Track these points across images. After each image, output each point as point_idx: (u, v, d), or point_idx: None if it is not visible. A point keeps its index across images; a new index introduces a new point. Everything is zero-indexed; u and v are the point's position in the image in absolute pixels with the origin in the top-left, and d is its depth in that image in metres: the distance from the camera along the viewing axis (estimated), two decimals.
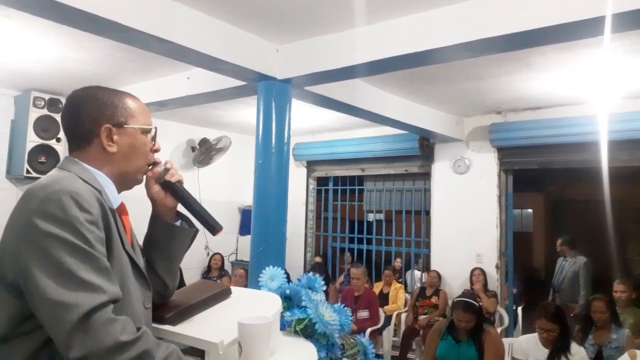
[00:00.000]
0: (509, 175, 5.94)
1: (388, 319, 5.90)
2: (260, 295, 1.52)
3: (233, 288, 1.55)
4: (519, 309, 6.39)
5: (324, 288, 1.66)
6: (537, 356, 3.39)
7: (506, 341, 3.92)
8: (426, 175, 6.49)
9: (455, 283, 6.01)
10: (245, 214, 7.22)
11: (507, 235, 5.92)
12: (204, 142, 6.67)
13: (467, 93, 4.89)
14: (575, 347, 3.35)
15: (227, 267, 7.02)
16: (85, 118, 1.19)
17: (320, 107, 4.75)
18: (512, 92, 4.84)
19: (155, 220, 1.32)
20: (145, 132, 1.26)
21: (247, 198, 5.86)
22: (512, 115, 5.67)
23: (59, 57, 4.02)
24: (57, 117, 5.16)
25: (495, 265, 5.82)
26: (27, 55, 4.03)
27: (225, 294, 1.47)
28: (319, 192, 7.73)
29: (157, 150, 1.30)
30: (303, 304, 1.56)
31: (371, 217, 7.72)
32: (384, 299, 6.26)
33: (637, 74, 4.18)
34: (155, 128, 1.29)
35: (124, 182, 1.24)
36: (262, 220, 3.58)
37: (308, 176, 7.62)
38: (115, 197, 1.20)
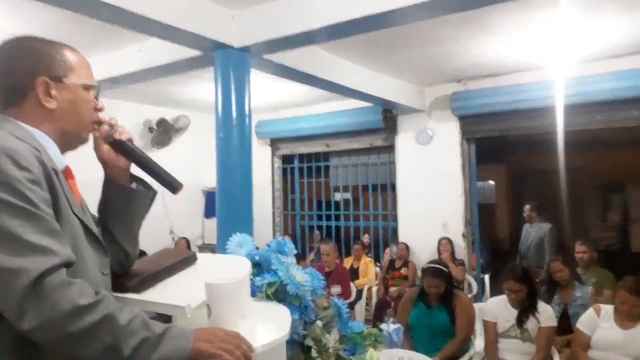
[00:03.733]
0: (472, 144, 5.99)
1: (360, 293, 5.91)
2: (228, 259, 1.44)
3: (199, 254, 1.46)
4: (486, 277, 6.51)
5: (294, 252, 1.59)
6: (506, 317, 3.43)
7: (476, 306, 3.97)
8: (390, 148, 6.49)
9: (423, 254, 6.06)
10: (209, 196, 7.07)
11: (471, 203, 5.99)
12: (161, 122, 6.46)
13: (427, 60, 4.87)
14: (542, 306, 3.41)
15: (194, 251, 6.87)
16: (19, 70, 1.08)
17: (281, 80, 4.63)
18: (472, 59, 4.84)
19: (109, 184, 1.21)
20: (88, 88, 1.15)
21: (210, 180, 5.72)
22: (472, 83, 5.69)
23: None
24: None
25: (461, 234, 5.90)
26: None
27: (190, 260, 1.39)
28: (284, 170, 7.63)
29: (100, 109, 1.19)
30: (273, 267, 1.50)
31: (338, 196, 7.68)
32: (354, 273, 6.27)
33: (593, 37, 4.24)
34: (99, 84, 1.18)
35: (66, 142, 1.13)
36: (227, 198, 3.49)
37: (273, 154, 7.51)
38: (58, 158, 1.09)
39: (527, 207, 6.39)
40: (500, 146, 8.60)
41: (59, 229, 0.95)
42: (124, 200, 1.22)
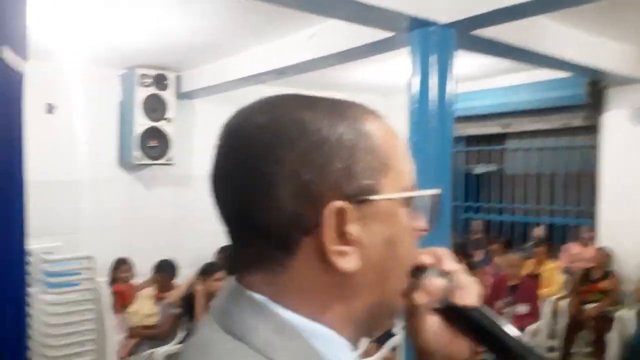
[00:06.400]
0: None
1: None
2: None
3: None
4: None
5: None
6: None
7: None
8: (591, 129, 5.30)
9: (631, 263, 4.87)
10: None
11: None
12: None
13: None
14: None
15: None
16: (280, 190, 0.46)
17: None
18: None
19: None
20: (408, 203, 0.51)
21: None
22: None
23: (164, 28, 3.46)
24: (165, 94, 4.68)
25: None
26: (127, 29, 3.50)
27: None
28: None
29: (422, 233, 0.55)
30: None
31: (479, 169, 6.61)
32: (535, 281, 5.30)
33: None
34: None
35: (368, 327, 0.53)
36: None
37: None
38: None
39: None
40: None
41: None
42: None
